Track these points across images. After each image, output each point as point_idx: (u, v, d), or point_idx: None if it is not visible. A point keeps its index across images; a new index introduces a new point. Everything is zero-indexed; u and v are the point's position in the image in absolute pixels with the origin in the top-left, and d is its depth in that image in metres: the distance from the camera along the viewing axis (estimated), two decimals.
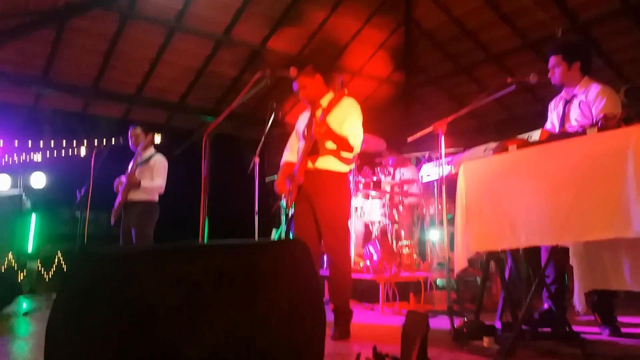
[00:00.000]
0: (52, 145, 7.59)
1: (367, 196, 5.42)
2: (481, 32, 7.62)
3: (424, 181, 4.39)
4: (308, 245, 1.77)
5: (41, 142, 7.49)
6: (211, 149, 3.17)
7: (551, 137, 2.60)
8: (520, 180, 2.54)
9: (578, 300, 2.64)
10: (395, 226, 5.40)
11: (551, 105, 3.55)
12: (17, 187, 6.53)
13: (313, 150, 3.40)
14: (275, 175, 3.69)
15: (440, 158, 3.56)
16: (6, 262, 6.11)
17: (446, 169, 3.55)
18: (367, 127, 3.59)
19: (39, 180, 6.94)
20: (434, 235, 5.24)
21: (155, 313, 1.36)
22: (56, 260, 7.06)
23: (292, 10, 7.12)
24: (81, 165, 6.37)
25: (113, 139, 5.42)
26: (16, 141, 7.26)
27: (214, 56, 7.42)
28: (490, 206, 2.69)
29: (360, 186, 5.34)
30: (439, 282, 4.91)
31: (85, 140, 7.72)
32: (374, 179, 5.54)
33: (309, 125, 3.49)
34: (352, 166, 4.91)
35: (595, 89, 3.18)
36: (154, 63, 7.20)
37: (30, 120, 7.62)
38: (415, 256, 5.20)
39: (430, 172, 4.24)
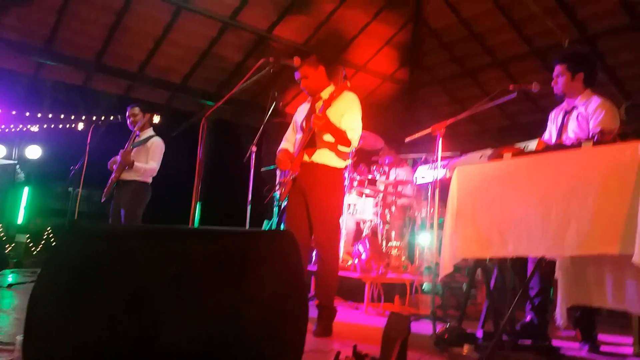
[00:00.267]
0: (50, 117, 7.54)
1: (360, 194, 5.41)
2: (488, 36, 7.59)
3: (418, 183, 4.39)
4: (298, 238, 1.79)
5: (39, 113, 7.44)
6: (209, 133, 3.15)
7: (547, 148, 2.60)
8: (512, 188, 2.54)
9: (560, 315, 2.65)
10: (387, 226, 5.39)
11: (551, 115, 3.54)
12: (12, 158, 6.49)
13: (310, 143, 3.39)
14: (272, 166, 3.68)
15: (436, 161, 3.55)
16: None
17: (441, 173, 3.54)
18: (367, 124, 3.57)
19: (34, 152, 6.93)
20: (424, 239, 5.23)
21: (145, 292, 1.36)
22: (45, 234, 7.03)
23: None
24: (78, 139, 6.32)
25: (112, 115, 5.38)
26: (14, 111, 7.21)
27: (219, 39, 7.36)
28: (480, 212, 2.69)
29: (355, 183, 5.32)
30: (425, 286, 4.92)
31: (83, 115, 7.68)
32: (369, 177, 5.52)
33: (308, 117, 3.47)
34: (349, 162, 4.90)
35: (595, 101, 3.18)
36: (159, 41, 7.14)
37: (30, 90, 7.57)
38: (403, 258, 5.20)
39: (425, 174, 4.24)
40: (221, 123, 8.12)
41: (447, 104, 8.89)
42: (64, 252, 1.37)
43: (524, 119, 8.00)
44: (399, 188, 5.70)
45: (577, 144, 2.38)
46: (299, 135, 3.54)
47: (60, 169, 6.49)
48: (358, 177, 5.38)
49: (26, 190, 6.71)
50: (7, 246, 6.14)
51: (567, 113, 3.33)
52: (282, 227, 5.03)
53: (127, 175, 4.82)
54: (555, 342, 2.84)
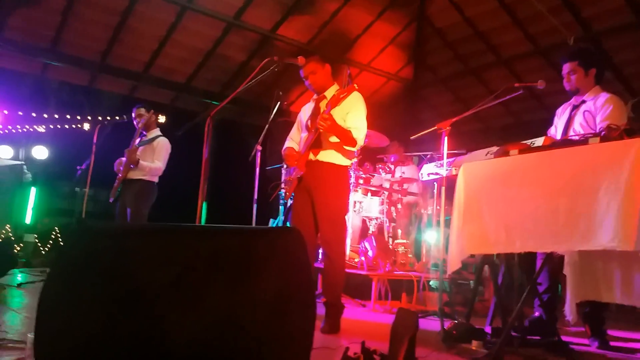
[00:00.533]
0: (56, 118, 7.57)
1: (366, 192, 5.42)
2: (493, 35, 7.58)
3: (423, 180, 4.37)
4: (304, 236, 1.77)
5: (45, 114, 7.47)
6: (214, 132, 3.15)
7: (553, 144, 2.60)
8: (519, 185, 2.54)
9: (569, 310, 2.65)
10: (393, 224, 5.39)
11: (558, 111, 3.55)
12: (18, 158, 6.52)
13: (316, 143, 3.39)
14: (277, 165, 3.68)
15: (442, 158, 3.55)
16: (4, 233, 6.12)
17: (447, 170, 3.54)
18: (371, 122, 3.58)
19: (40, 152, 6.95)
20: (431, 236, 5.23)
21: (147, 290, 1.37)
22: (53, 234, 7.06)
23: None
24: (84, 139, 6.35)
25: (117, 115, 5.40)
26: (20, 112, 7.24)
27: (223, 39, 7.38)
28: (487, 209, 2.69)
29: (361, 181, 5.32)
30: (432, 283, 4.92)
31: (89, 115, 7.71)
32: (375, 175, 5.53)
33: (313, 116, 3.48)
34: (354, 160, 4.90)
35: (603, 97, 3.19)
36: (163, 41, 7.17)
37: (36, 91, 7.61)
38: (410, 255, 5.20)
39: (431, 171, 4.23)
40: (226, 123, 8.15)
41: (451, 102, 8.88)
42: (70, 251, 1.38)
43: (529, 117, 7.99)
44: (405, 186, 5.70)
45: (583, 140, 2.38)
46: (304, 134, 3.55)
47: (66, 169, 6.51)
48: (363, 175, 5.39)
49: (33, 190, 6.74)
50: (15, 246, 6.17)
51: (575, 108, 3.33)
52: (287, 225, 5.04)
53: (134, 175, 4.84)
54: (565, 338, 2.83)
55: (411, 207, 5.80)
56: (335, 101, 3.31)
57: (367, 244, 4.93)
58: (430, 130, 3.66)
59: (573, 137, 3.00)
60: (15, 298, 4.03)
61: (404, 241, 5.30)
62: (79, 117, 7.65)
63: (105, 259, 1.34)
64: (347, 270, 3.70)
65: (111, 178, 4.98)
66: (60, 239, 6.90)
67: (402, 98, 9.32)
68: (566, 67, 3.33)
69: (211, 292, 1.47)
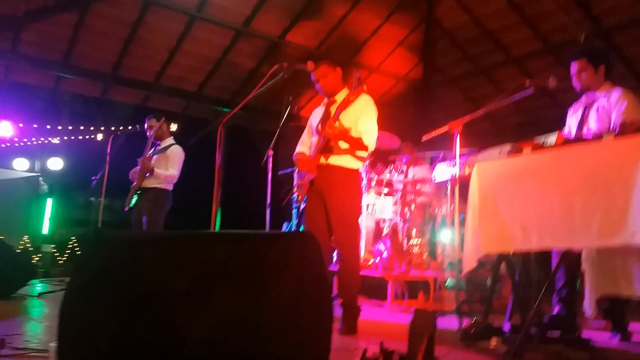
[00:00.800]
0: (70, 130, 7.68)
1: (379, 193, 5.41)
2: (502, 34, 7.55)
3: (436, 181, 4.37)
4: (318, 239, 1.77)
5: (59, 126, 7.58)
6: (225, 139, 3.17)
7: (567, 142, 2.59)
8: (533, 182, 2.53)
9: (588, 306, 2.63)
10: (407, 225, 5.38)
11: (570, 111, 3.52)
12: (34, 170, 6.62)
13: (326, 147, 3.40)
14: (289, 170, 3.69)
15: (455, 158, 3.54)
16: (22, 244, 6.21)
17: (460, 170, 3.54)
18: (382, 124, 3.58)
19: (55, 164, 7.05)
20: (445, 236, 5.21)
21: (164, 298, 1.38)
22: (70, 244, 7.15)
23: (313, 3, 7.12)
24: (98, 150, 6.44)
25: (130, 125, 5.46)
26: (35, 125, 7.36)
27: (232, 47, 7.44)
28: (502, 207, 2.68)
29: (373, 183, 5.32)
30: (448, 282, 4.90)
31: (102, 126, 7.80)
32: (387, 176, 5.52)
33: (323, 120, 3.49)
34: (366, 162, 4.90)
35: (617, 92, 3.15)
36: (173, 51, 7.25)
37: (50, 103, 7.73)
38: (425, 255, 5.18)
39: (444, 171, 4.23)
40: (237, 129, 8.20)
41: (461, 102, 8.85)
42: (88, 260, 1.41)
43: (541, 114, 7.93)
44: (418, 186, 5.69)
45: (598, 137, 2.37)
46: (315, 138, 3.56)
47: (81, 180, 6.60)
48: (375, 177, 5.39)
49: (49, 201, 6.83)
50: (34, 256, 6.25)
51: (587, 107, 3.30)
52: (301, 229, 5.05)
53: (148, 183, 4.88)
54: (586, 333, 2.81)
55: (425, 207, 5.78)
56: (345, 104, 3.32)
57: (381, 245, 4.92)
58: (442, 130, 3.66)
59: (587, 135, 2.99)
60: (35, 308, 4.09)
61: (419, 241, 5.28)
62: (92, 128, 7.75)
63: (122, 267, 1.37)
64: (362, 271, 3.70)
65: (126, 187, 5.04)
66: (77, 249, 6.99)
67: (412, 99, 9.32)
68: (574, 66, 3.29)
69: (227, 297, 1.48)
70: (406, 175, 5.74)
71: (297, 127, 5.17)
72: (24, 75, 7.06)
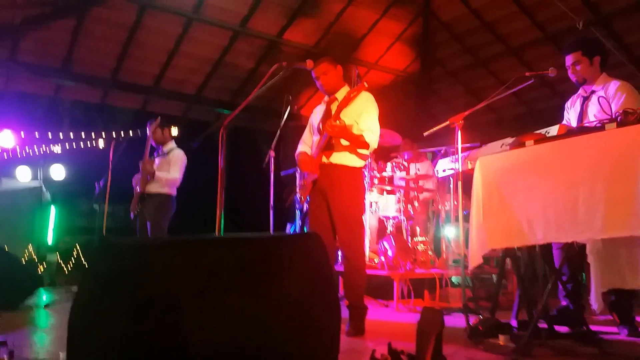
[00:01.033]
0: (71, 137, 7.69)
1: (381, 191, 5.39)
2: (500, 25, 7.51)
3: (439, 176, 4.35)
4: (323, 239, 1.77)
5: (60, 133, 7.59)
6: (227, 141, 3.16)
7: (569, 132, 2.57)
8: (537, 175, 2.52)
9: (595, 299, 2.61)
10: (411, 222, 5.36)
11: (567, 104, 3.49)
12: (37, 179, 6.63)
13: (328, 146, 3.39)
14: (291, 170, 3.68)
15: (457, 153, 3.52)
16: (26, 254, 6.22)
17: (462, 164, 3.52)
18: (382, 120, 3.56)
19: (58, 172, 7.05)
20: (450, 232, 5.19)
21: (173, 301, 1.38)
22: (75, 252, 7.15)
23: (309, 1, 7.09)
24: (100, 157, 6.43)
25: (131, 130, 5.45)
26: (36, 132, 7.36)
27: (230, 47, 7.43)
28: (506, 202, 2.67)
29: (375, 181, 5.30)
30: (454, 279, 4.88)
31: (103, 132, 7.80)
32: (389, 173, 5.50)
33: (324, 119, 3.47)
34: (368, 161, 4.88)
35: (614, 84, 3.14)
36: (172, 53, 7.24)
37: (50, 111, 7.73)
38: (430, 253, 5.16)
39: (446, 167, 4.21)
40: (237, 130, 8.19)
41: (462, 95, 8.82)
42: (94, 268, 1.41)
43: (542, 106, 7.89)
44: (420, 182, 5.67)
45: (600, 126, 2.35)
46: (316, 137, 3.54)
47: (84, 187, 6.60)
48: (378, 175, 5.37)
49: (53, 210, 6.84)
50: (39, 266, 6.26)
51: (586, 99, 3.28)
52: (305, 229, 5.04)
53: (152, 188, 4.87)
54: (593, 327, 2.79)
55: (428, 203, 5.77)
56: (346, 101, 3.31)
57: (386, 244, 4.90)
58: (443, 125, 3.64)
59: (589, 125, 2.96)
60: (42, 318, 4.10)
61: (423, 239, 5.27)
62: (93, 135, 7.75)
63: (130, 273, 1.37)
64: (367, 271, 3.68)
65: (129, 194, 5.03)
66: (82, 257, 6.99)
67: (412, 94, 9.28)
68: (569, 59, 3.27)
69: (236, 299, 1.49)
70: (408, 172, 5.72)
71: (297, 127, 5.16)
72: (24, 84, 7.07)
